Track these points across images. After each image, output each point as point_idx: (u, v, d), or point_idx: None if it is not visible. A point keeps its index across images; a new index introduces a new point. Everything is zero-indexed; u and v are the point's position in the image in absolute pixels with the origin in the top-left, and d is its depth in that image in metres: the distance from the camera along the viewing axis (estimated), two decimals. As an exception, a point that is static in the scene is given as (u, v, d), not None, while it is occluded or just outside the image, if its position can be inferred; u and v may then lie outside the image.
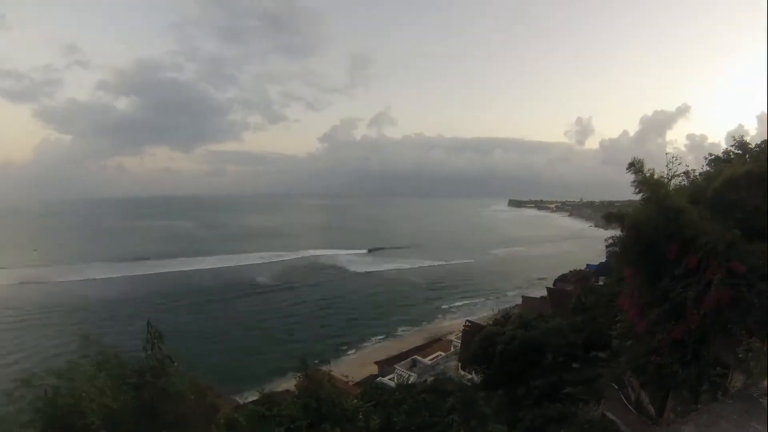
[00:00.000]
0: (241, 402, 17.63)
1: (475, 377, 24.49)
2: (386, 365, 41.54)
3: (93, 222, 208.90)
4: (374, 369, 42.07)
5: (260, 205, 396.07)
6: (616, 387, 18.32)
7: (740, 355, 7.22)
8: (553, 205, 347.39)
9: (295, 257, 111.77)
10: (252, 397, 15.45)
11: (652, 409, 15.01)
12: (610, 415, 15.94)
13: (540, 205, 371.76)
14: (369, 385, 23.00)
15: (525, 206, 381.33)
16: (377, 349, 51.25)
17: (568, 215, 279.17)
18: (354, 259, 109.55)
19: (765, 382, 4.16)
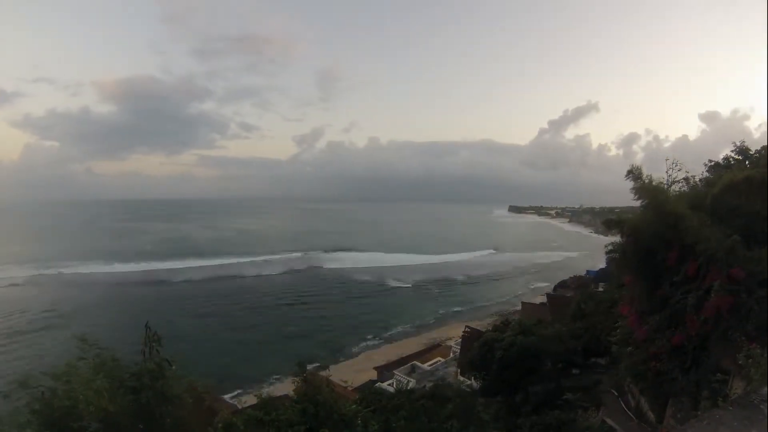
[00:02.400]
0: (239, 406, 17.50)
1: (475, 383, 24.37)
2: (385, 370, 41.36)
3: (85, 223, 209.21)
4: (373, 374, 41.89)
5: (244, 208, 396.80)
6: (616, 393, 18.26)
7: (740, 362, 7.18)
8: (553, 212, 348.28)
9: (292, 260, 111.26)
10: (250, 401, 15.39)
11: (651, 416, 14.96)
12: (609, 422, 15.87)
13: (540, 211, 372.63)
14: (368, 390, 22.88)
15: (525, 212, 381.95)
16: (376, 354, 51.04)
17: (568, 221, 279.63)
18: (357, 263, 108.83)
19: (765, 389, 4.14)
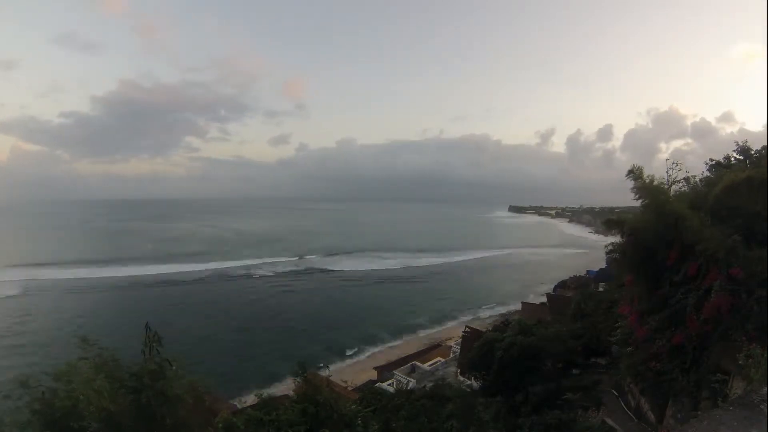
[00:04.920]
0: (239, 406, 17.49)
1: (475, 383, 24.38)
2: (385, 371, 41.40)
3: (82, 222, 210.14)
4: (373, 374, 41.92)
5: (232, 208, 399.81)
6: (616, 393, 18.27)
7: (740, 362, 7.18)
8: (553, 212, 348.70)
9: (290, 260, 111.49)
10: (250, 401, 15.41)
11: (651, 416, 14.97)
12: (609, 422, 15.87)
13: (540, 211, 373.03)
14: (368, 390, 22.90)
15: (525, 212, 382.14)
16: (376, 354, 51.07)
17: (568, 221, 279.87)
18: (356, 265, 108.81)
19: (765, 389, 4.14)
